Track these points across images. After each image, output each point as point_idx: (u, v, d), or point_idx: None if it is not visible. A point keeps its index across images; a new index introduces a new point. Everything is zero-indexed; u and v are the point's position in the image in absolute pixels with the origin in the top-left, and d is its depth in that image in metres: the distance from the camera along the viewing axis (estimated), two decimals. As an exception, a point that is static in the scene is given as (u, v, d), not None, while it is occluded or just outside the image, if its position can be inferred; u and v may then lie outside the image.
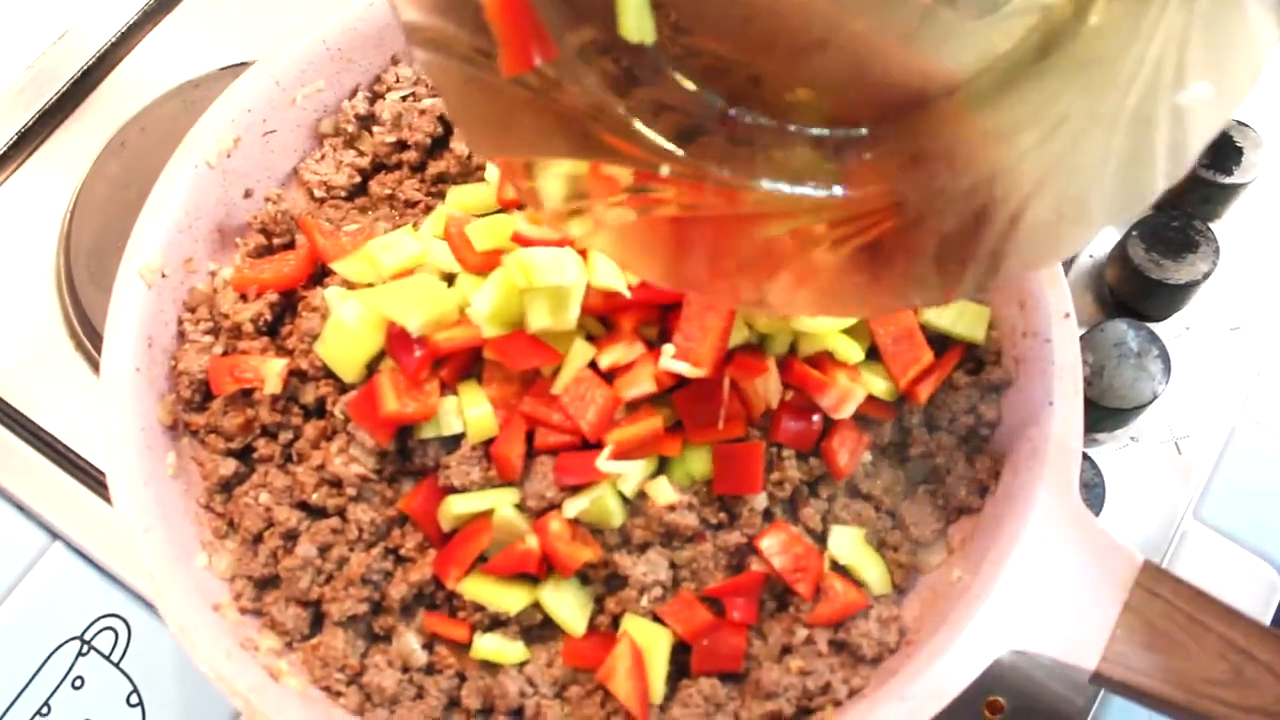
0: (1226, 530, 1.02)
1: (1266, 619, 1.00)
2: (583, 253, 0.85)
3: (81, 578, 1.03)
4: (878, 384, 0.87)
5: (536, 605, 0.84)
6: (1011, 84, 0.61)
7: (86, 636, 1.01)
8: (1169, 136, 0.58)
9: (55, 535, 1.04)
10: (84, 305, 1.11)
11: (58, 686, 0.99)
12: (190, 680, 0.99)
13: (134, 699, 0.99)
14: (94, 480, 1.04)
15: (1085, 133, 0.59)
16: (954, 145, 0.64)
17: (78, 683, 0.99)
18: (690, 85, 0.63)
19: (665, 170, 0.63)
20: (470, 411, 0.84)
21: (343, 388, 0.88)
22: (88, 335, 1.11)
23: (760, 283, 0.67)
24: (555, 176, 0.65)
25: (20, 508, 1.05)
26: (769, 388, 0.85)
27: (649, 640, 0.82)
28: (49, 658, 1.00)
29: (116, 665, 1.00)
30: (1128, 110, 0.57)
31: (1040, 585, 0.78)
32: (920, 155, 0.64)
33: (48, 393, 1.09)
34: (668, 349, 0.82)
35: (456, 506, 0.83)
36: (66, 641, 1.01)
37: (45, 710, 0.98)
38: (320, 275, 0.95)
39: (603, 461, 0.81)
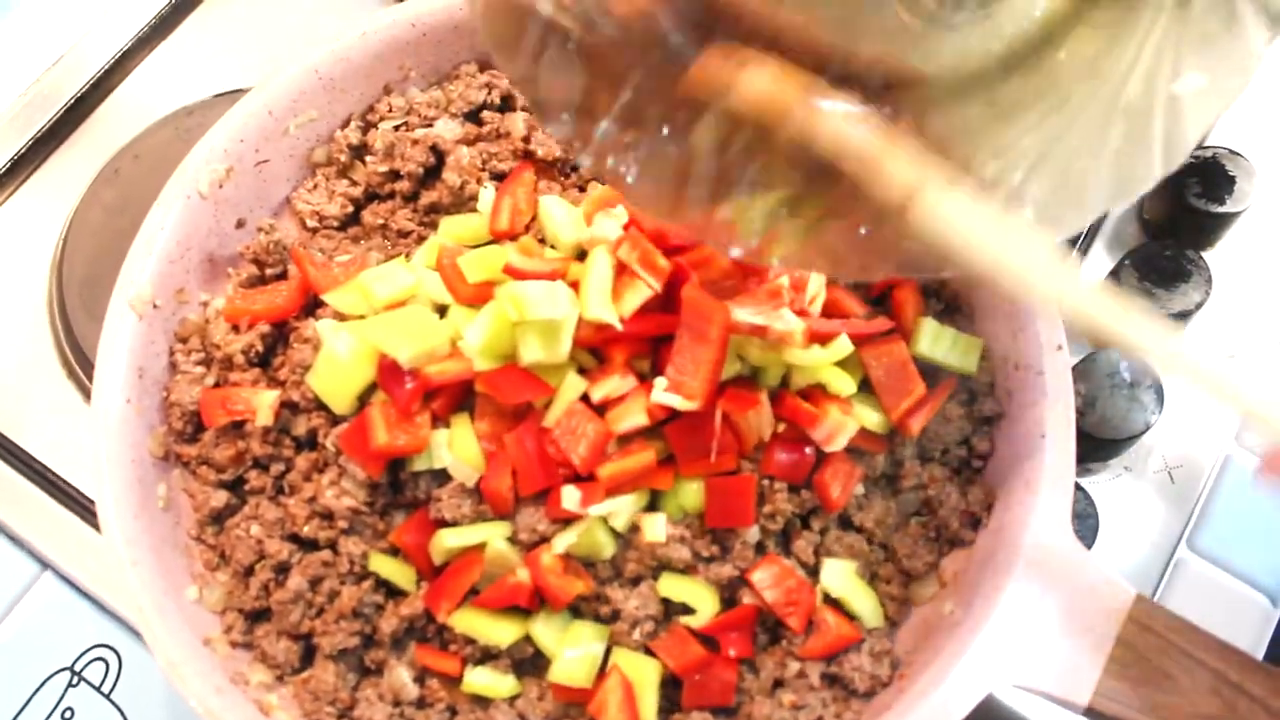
0: (1220, 560, 1.02)
1: (1260, 649, 1.00)
2: (574, 285, 0.85)
3: (72, 607, 1.02)
4: (870, 416, 0.87)
5: (528, 638, 0.84)
6: (1015, 66, 0.62)
7: (77, 667, 1.00)
8: (1165, 125, 0.59)
9: (45, 564, 1.04)
10: (76, 334, 1.11)
11: (47, 718, 0.99)
12: (181, 712, 0.99)
13: (124, 731, 0.99)
14: (84, 509, 1.04)
15: (1084, 115, 0.60)
16: (958, 120, 0.64)
17: (68, 714, 0.99)
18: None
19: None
20: (458, 451, 0.84)
21: (334, 419, 0.88)
22: (80, 364, 1.11)
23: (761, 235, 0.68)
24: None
25: (10, 537, 1.04)
26: (761, 420, 0.85)
27: (638, 673, 0.82)
28: (39, 689, 1.00)
29: (107, 697, 0.99)
30: (1126, 96, 0.59)
31: (1033, 619, 0.78)
32: (923, 129, 0.64)
33: (39, 421, 1.09)
34: (660, 382, 0.81)
35: (448, 540, 0.83)
36: (56, 672, 1.00)
37: (35, 742, 0.98)
38: (312, 306, 0.95)
39: (592, 507, 0.81)
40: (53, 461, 1.07)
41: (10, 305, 1.15)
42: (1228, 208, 1.09)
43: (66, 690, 1.00)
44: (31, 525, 1.04)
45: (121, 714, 0.99)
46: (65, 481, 1.06)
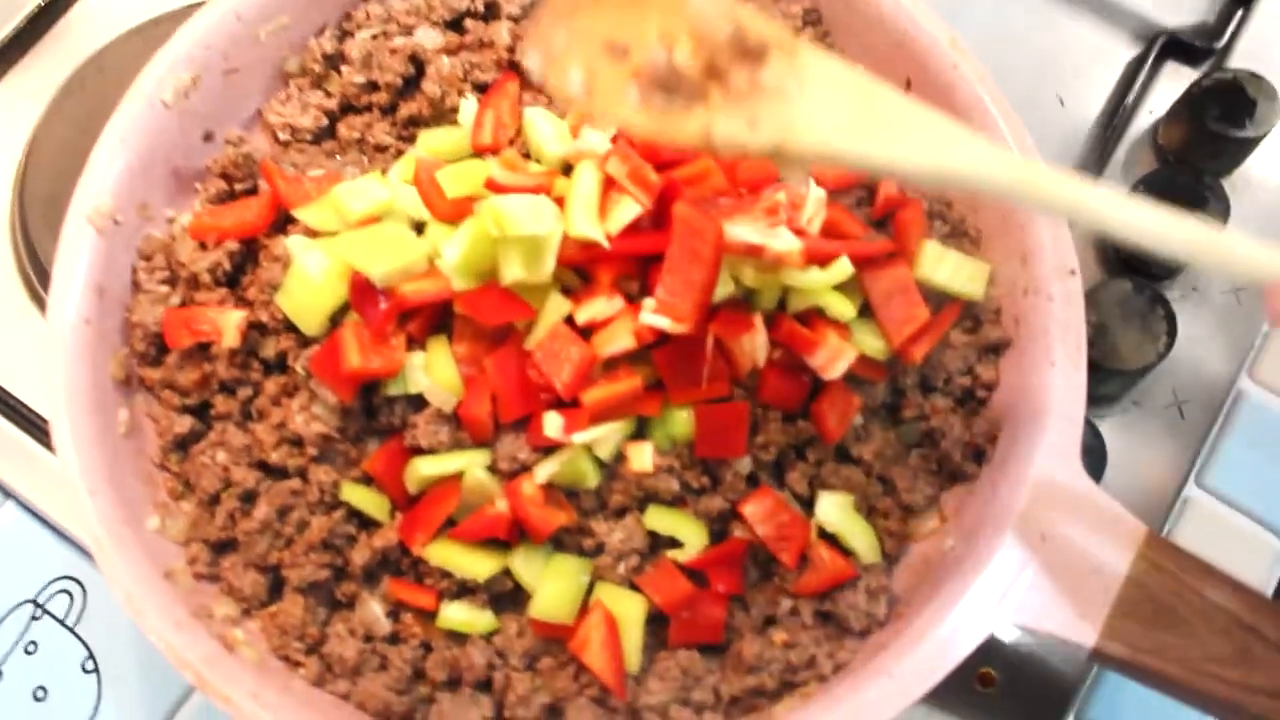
0: (1229, 497, 0.99)
1: (1269, 588, 0.96)
2: (559, 201, 0.80)
3: (35, 538, 0.98)
4: (870, 343, 0.83)
5: (507, 572, 0.80)
6: None
7: (40, 599, 0.97)
8: None
9: (7, 494, 0.99)
10: (39, 254, 1.06)
11: (10, 651, 0.95)
12: (148, 646, 0.93)
13: (89, 665, 0.95)
14: (48, 436, 0.97)
15: None
16: None
17: (30, 648, 0.95)
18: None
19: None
20: (435, 375, 0.79)
21: (305, 341, 0.83)
22: (43, 284, 1.05)
23: None
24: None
25: (-30, 465, 1.00)
26: (755, 346, 0.80)
27: (623, 609, 0.79)
28: (0, 622, 0.96)
29: (71, 630, 0.96)
30: None
31: (1038, 557, 0.74)
32: None
33: (0, 344, 1.04)
34: (648, 303, 0.77)
35: (424, 468, 0.79)
36: (19, 605, 0.97)
37: (-3, 676, 0.95)
38: (283, 223, 0.90)
39: (575, 434, 0.76)
40: (15, 387, 1.02)
41: (-29, 225, 1.10)
42: (1248, 132, 1.03)
43: (30, 623, 0.96)
44: (-8, 453, 1.00)
45: (86, 647, 0.95)
46: (27, 407, 1.01)
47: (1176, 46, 1.14)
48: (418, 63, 0.95)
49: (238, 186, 0.92)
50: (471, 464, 0.79)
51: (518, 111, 0.91)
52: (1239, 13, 1.15)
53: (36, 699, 0.94)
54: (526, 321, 0.79)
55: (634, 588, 0.80)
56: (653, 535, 0.80)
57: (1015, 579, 0.74)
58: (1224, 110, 1.04)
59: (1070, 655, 0.85)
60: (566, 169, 0.84)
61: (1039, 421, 0.78)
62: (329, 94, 0.97)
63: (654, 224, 0.80)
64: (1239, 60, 1.13)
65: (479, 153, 0.90)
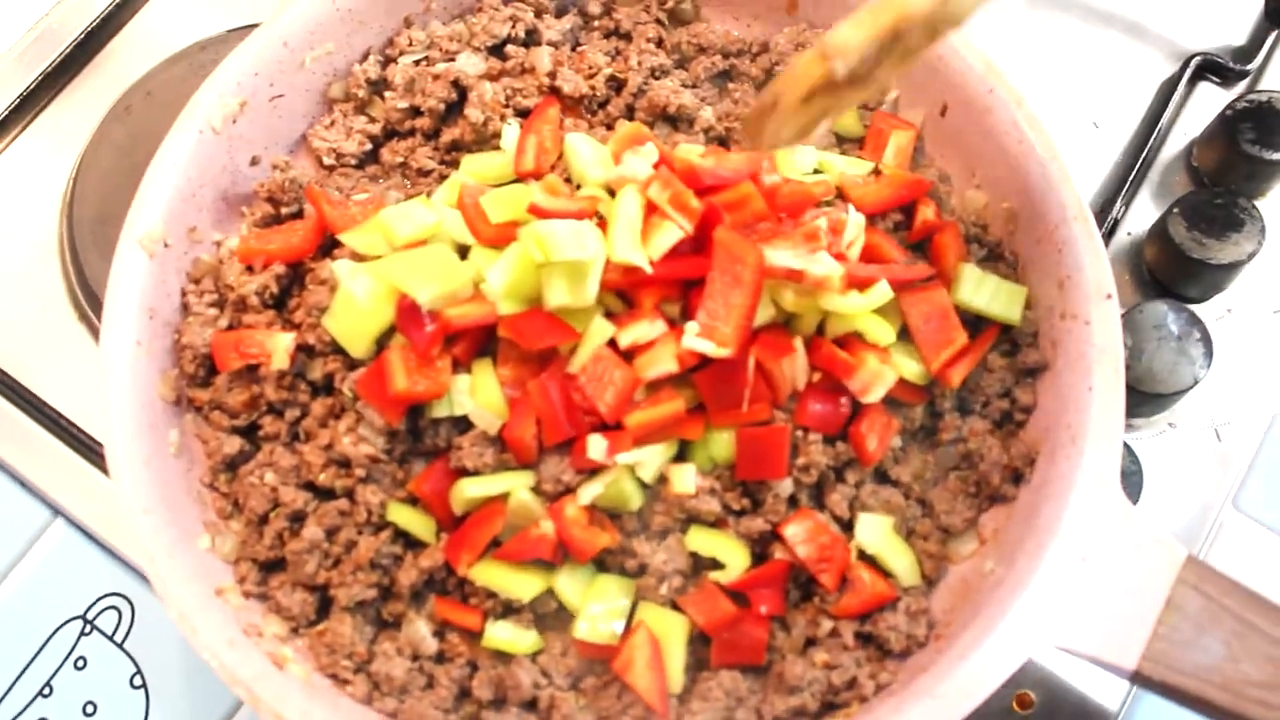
0: (1266, 521, 0.99)
1: (1307, 613, 0.96)
2: (602, 225, 0.81)
3: (84, 555, 1.00)
4: (909, 366, 0.83)
5: (551, 592, 0.81)
6: None
7: (89, 616, 0.98)
8: None
9: (57, 511, 1.01)
10: (88, 275, 1.08)
11: (59, 667, 0.97)
12: (195, 662, 0.97)
13: (137, 680, 0.97)
14: (97, 454, 1.01)
15: None
16: None
17: (80, 663, 0.97)
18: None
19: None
20: (480, 398, 0.80)
21: (352, 364, 0.85)
22: (91, 306, 1.08)
23: None
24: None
25: (21, 482, 1.02)
26: (795, 369, 0.81)
27: (666, 630, 0.80)
28: (50, 637, 0.98)
29: (120, 646, 0.97)
30: None
31: (1078, 579, 0.75)
32: None
33: (50, 364, 1.06)
34: (691, 327, 0.78)
35: (469, 490, 0.80)
36: (68, 621, 0.98)
37: (47, 691, 0.96)
38: (329, 246, 0.92)
39: (619, 456, 0.77)
40: (64, 406, 1.04)
41: (20, 246, 1.12)
42: (1283, 154, 1.04)
43: (79, 639, 0.98)
44: (42, 471, 1.02)
45: (134, 663, 0.97)
46: (77, 426, 1.03)
47: (1210, 67, 1.14)
48: (460, 88, 0.96)
49: (284, 210, 0.94)
50: (516, 486, 0.80)
51: (559, 136, 0.93)
52: (1273, 34, 1.15)
53: (86, 714, 0.96)
54: (570, 345, 0.80)
55: (676, 608, 0.81)
56: (695, 557, 0.81)
57: (1055, 602, 0.74)
58: (1259, 132, 1.04)
59: (1109, 678, 0.86)
60: (609, 192, 0.85)
61: (1077, 445, 0.79)
62: (372, 119, 0.99)
63: (696, 248, 0.81)
64: (1273, 81, 1.14)
65: (522, 178, 0.91)
